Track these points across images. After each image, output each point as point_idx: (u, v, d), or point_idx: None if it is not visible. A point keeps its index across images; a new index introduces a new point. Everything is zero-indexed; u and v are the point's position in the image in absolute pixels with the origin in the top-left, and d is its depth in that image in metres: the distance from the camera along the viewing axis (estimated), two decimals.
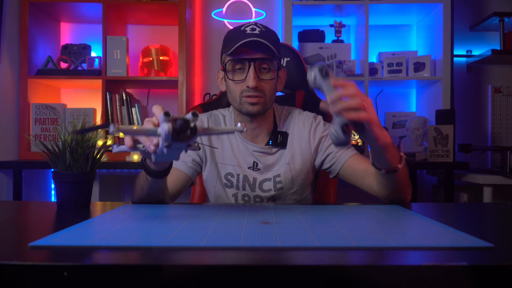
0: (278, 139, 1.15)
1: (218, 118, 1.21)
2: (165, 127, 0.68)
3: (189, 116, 0.71)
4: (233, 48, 1.04)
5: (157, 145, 0.71)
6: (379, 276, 0.48)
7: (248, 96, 1.08)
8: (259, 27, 1.09)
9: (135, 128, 0.71)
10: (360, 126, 0.85)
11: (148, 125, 0.73)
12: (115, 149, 0.74)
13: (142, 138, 0.73)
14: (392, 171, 0.94)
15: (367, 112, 0.82)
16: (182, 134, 0.70)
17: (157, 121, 0.73)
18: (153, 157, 0.76)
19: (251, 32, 1.07)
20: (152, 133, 0.70)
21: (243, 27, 1.09)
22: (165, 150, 0.71)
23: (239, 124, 0.78)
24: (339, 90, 0.81)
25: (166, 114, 0.68)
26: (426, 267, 0.48)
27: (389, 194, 1.00)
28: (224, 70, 1.11)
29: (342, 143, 0.83)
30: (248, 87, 1.06)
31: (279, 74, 1.14)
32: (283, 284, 0.47)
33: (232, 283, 0.47)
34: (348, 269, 0.49)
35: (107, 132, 2.25)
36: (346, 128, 0.82)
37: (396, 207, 0.91)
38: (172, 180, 1.09)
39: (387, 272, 0.48)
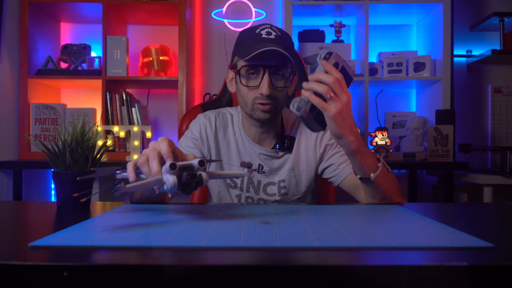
0: (285, 144, 1.14)
1: (226, 117, 1.20)
2: (170, 180, 0.67)
3: (195, 164, 0.71)
4: (249, 56, 1.01)
5: (161, 186, 0.71)
6: (379, 276, 0.48)
7: (261, 104, 1.06)
8: (274, 30, 1.06)
9: (141, 183, 0.70)
10: (320, 115, 0.87)
11: (153, 153, 0.73)
12: (119, 175, 0.73)
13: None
14: (366, 179, 0.95)
15: (331, 103, 0.84)
16: (188, 187, 0.70)
17: (161, 151, 0.74)
18: (157, 190, 0.76)
19: (266, 36, 1.04)
20: (157, 183, 0.69)
21: (258, 30, 1.06)
22: (170, 195, 0.71)
23: (245, 170, 0.81)
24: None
25: (172, 166, 0.67)
26: (426, 267, 0.48)
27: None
28: (238, 73, 1.08)
29: (294, 112, 0.87)
30: (261, 94, 1.04)
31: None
32: (283, 284, 0.47)
33: (232, 283, 0.47)
34: (348, 269, 0.49)
35: (107, 132, 2.26)
36: (300, 105, 0.86)
37: (396, 207, 0.91)
38: None
39: (387, 272, 0.48)
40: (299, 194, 1.16)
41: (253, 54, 1.00)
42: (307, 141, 1.17)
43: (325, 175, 1.17)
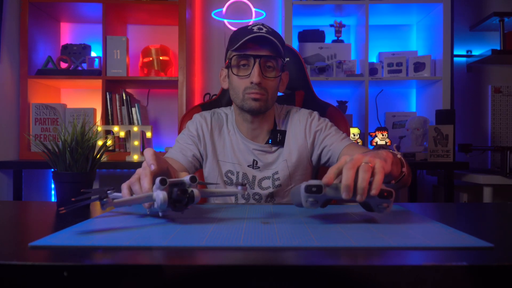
0: (278, 138, 1.17)
1: (221, 117, 1.23)
2: (160, 196, 0.66)
3: (187, 180, 0.70)
4: (239, 43, 1.06)
5: (151, 205, 0.70)
6: (379, 276, 0.48)
7: (251, 93, 1.09)
8: (265, 27, 1.11)
9: (129, 198, 0.69)
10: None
11: (144, 171, 0.72)
12: (111, 196, 0.72)
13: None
14: (400, 178, 0.90)
15: (379, 168, 0.71)
16: (179, 203, 0.69)
17: (145, 160, 0.73)
18: (148, 211, 0.75)
19: (258, 31, 1.08)
20: (147, 200, 0.69)
21: (250, 27, 1.11)
22: (160, 214, 0.70)
23: (239, 188, 0.81)
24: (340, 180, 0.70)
25: (163, 181, 0.66)
26: (426, 267, 0.48)
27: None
28: (229, 65, 1.12)
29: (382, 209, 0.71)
30: (252, 83, 1.08)
31: (281, 76, 1.15)
32: (283, 284, 0.47)
33: (232, 283, 0.47)
34: (348, 269, 0.49)
35: (107, 132, 2.26)
36: (386, 204, 0.70)
37: (396, 207, 0.91)
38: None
39: (387, 272, 0.48)
40: (293, 183, 1.18)
41: (243, 40, 1.05)
42: (296, 131, 1.19)
43: (322, 160, 1.18)
